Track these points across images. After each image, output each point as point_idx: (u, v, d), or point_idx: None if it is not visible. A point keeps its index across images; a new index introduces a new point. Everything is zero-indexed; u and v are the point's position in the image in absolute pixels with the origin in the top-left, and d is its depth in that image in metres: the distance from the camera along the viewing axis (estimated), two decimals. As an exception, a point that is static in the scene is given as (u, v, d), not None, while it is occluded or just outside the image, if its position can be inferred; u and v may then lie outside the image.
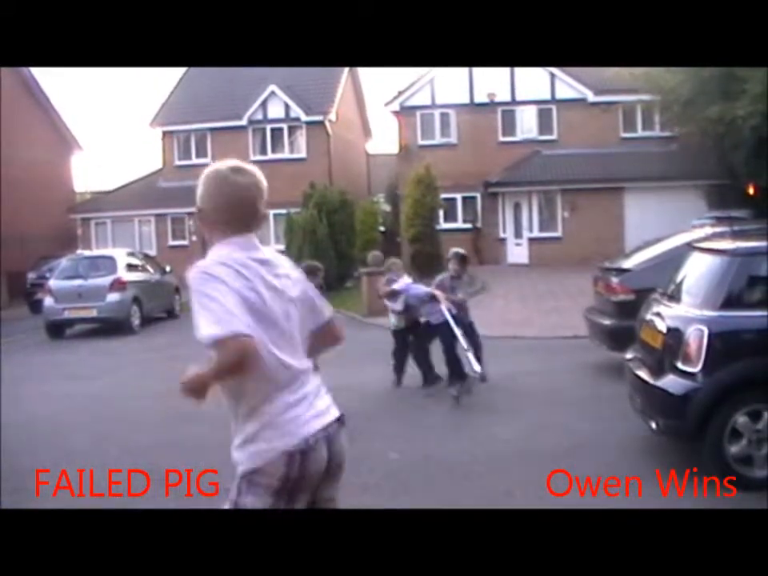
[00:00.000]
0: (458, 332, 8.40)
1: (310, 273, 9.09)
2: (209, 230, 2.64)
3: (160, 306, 18.32)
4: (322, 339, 2.80)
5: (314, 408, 2.61)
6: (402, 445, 6.88)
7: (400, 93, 28.11)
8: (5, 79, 24.53)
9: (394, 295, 9.05)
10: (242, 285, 2.49)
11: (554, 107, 27.31)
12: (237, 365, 2.39)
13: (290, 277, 2.68)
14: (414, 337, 9.14)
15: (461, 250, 9.35)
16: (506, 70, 26.42)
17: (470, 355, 8.30)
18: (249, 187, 2.59)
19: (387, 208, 31.44)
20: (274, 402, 2.55)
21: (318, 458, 2.56)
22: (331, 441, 2.62)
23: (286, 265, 2.70)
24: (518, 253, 26.46)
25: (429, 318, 8.83)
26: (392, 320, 9.31)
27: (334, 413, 2.69)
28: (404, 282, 9.13)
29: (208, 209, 2.61)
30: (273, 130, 28.23)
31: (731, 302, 5.54)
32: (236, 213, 2.58)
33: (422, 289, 9.05)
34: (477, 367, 8.28)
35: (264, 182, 2.64)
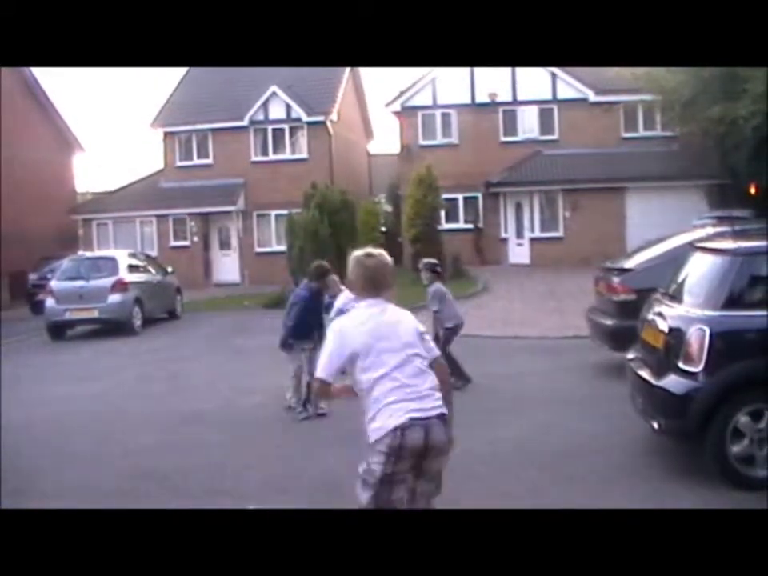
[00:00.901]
0: None
1: (320, 274, 8.77)
2: (356, 293, 3.85)
3: (161, 306, 18.30)
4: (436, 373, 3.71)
5: (418, 404, 3.50)
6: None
7: (401, 93, 28.07)
8: (5, 79, 24.48)
9: (341, 313, 9.16)
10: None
11: (555, 107, 27.27)
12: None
13: (402, 321, 3.72)
14: None
15: (432, 261, 9.64)
16: (507, 70, 26.38)
17: None
18: (375, 267, 3.73)
19: (388, 208, 31.37)
20: (387, 396, 3.52)
21: (415, 436, 3.44)
22: (428, 428, 3.48)
23: (401, 317, 3.75)
24: (519, 253, 26.44)
25: None
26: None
27: (436, 411, 3.54)
28: (343, 298, 9.05)
29: (352, 281, 3.80)
30: (274, 130, 28.14)
31: (733, 301, 5.54)
32: (367, 284, 3.73)
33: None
34: None
35: (388, 260, 3.79)
